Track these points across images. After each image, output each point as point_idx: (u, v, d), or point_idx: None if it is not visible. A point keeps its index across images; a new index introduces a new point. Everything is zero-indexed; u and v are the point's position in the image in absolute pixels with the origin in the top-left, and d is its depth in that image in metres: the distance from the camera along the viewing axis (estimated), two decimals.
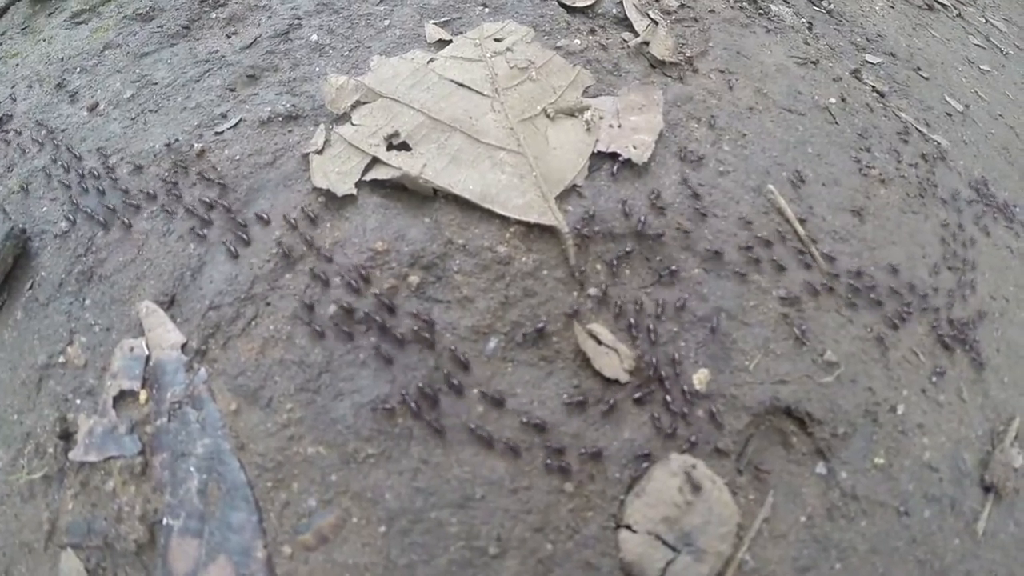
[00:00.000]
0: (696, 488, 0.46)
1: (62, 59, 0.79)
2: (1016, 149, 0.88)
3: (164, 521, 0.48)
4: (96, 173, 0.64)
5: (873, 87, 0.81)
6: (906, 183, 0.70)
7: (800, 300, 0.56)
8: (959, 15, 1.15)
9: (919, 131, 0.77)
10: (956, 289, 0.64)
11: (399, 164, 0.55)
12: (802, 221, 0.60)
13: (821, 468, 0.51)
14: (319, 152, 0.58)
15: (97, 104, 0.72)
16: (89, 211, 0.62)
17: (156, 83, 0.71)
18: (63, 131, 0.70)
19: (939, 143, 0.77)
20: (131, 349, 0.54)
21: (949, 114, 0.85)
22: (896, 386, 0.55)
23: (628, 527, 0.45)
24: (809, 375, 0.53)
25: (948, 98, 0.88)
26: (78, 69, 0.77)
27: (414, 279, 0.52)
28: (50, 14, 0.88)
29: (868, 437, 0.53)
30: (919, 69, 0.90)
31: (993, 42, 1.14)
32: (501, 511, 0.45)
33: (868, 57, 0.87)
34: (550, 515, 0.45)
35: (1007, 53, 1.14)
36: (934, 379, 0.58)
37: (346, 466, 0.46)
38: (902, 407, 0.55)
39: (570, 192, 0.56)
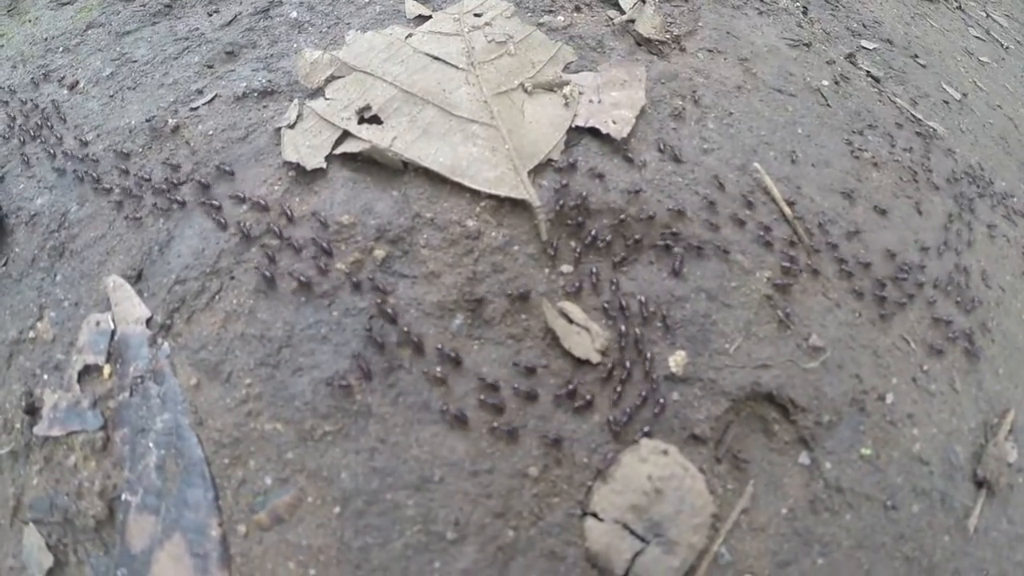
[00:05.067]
0: (667, 476, 0.43)
1: (46, 39, 0.79)
2: (1014, 140, 0.85)
3: (123, 497, 0.46)
4: (72, 150, 0.64)
5: (868, 72, 0.78)
6: (899, 167, 0.67)
7: (785, 282, 0.53)
8: (959, 7, 1.13)
9: (914, 117, 0.75)
10: (950, 276, 0.61)
11: (369, 137, 0.54)
12: (790, 202, 0.58)
13: (804, 458, 0.49)
14: (291, 126, 0.57)
15: (77, 82, 0.71)
16: (63, 187, 0.62)
17: (136, 61, 0.71)
18: (43, 110, 0.70)
19: (935, 129, 0.75)
20: (97, 324, 0.53)
21: (946, 102, 0.82)
22: (885, 374, 0.53)
23: (595, 515, 0.43)
24: (793, 360, 0.50)
25: (945, 86, 0.86)
26: (61, 49, 0.77)
27: (380, 253, 0.50)
28: None
29: (855, 427, 0.50)
30: (916, 56, 0.88)
31: (993, 36, 1.11)
32: (460, 494, 0.43)
33: (864, 42, 0.85)
34: (512, 500, 0.43)
35: (1007, 47, 1.11)
36: (926, 368, 0.55)
37: (303, 443, 0.44)
38: (891, 396, 0.52)
39: (545, 167, 0.54)
